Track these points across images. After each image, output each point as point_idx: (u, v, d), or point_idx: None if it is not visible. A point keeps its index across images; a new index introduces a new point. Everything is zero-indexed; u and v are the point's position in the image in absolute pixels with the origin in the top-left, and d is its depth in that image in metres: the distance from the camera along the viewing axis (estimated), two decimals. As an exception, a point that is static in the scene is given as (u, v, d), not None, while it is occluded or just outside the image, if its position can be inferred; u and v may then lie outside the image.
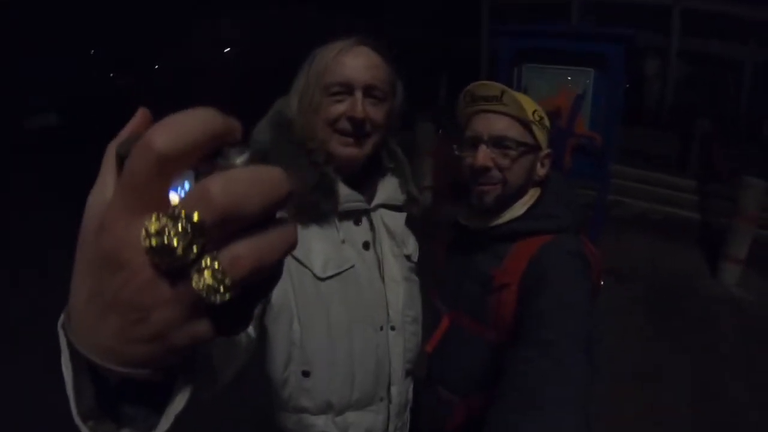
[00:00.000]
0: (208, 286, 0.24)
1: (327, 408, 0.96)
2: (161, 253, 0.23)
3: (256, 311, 0.86)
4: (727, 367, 3.14)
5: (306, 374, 0.93)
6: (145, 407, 0.34)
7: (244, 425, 1.06)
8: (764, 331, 3.58)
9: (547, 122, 1.06)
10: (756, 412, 2.73)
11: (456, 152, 1.08)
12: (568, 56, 3.70)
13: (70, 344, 0.31)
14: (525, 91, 3.88)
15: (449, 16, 13.09)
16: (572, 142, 3.72)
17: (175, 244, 0.23)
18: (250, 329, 0.81)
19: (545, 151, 1.06)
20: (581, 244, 1.00)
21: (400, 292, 1.04)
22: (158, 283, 0.25)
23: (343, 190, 0.95)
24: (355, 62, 0.93)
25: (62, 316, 0.32)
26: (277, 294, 0.90)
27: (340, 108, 0.93)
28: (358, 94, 0.93)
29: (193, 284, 0.24)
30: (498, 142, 1.01)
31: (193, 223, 0.23)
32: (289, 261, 0.90)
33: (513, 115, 1.01)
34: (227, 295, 0.24)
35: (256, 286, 0.26)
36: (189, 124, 0.24)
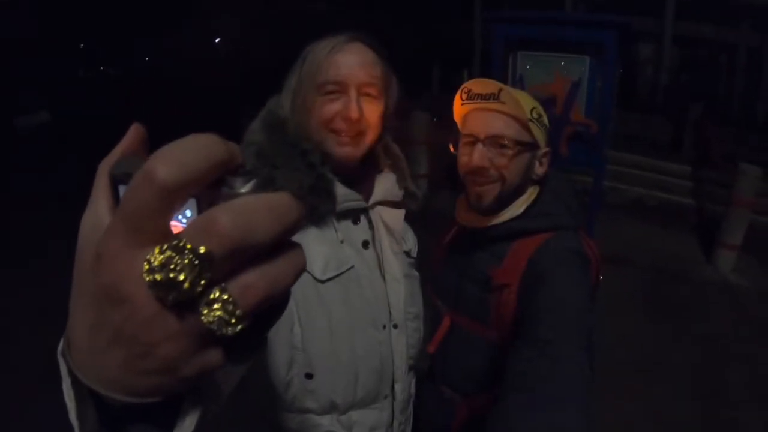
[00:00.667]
0: (219, 318, 0.23)
1: (331, 408, 0.96)
2: (166, 287, 0.23)
3: None
4: (722, 353, 3.17)
5: (309, 376, 0.93)
6: (151, 427, 0.34)
7: (247, 425, 1.05)
8: (759, 317, 3.61)
9: (546, 120, 1.05)
10: (750, 396, 2.76)
11: (452, 150, 1.07)
12: (563, 44, 3.68)
13: (71, 372, 0.30)
14: (521, 79, 3.86)
15: (442, 3, 13.01)
16: (568, 130, 3.70)
17: (182, 278, 0.22)
18: None
19: (543, 149, 1.05)
20: (581, 241, 1.00)
21: (401, 290, 1.03)
22: (164, 318, 0.24)
23: (340, 190, 0.93)
24: (349, 60, 0.91)
25: (62, 343, 0.31)
26: None
27: (334, 107, 0.91)
28: (353, 93, 0.91)
29: (203, 318, 0.23)
30: (495, 142, 1.00)
31: (200, 255, 0.22)
32: None
33: (510, 113, 0.99)
34: (239, 327, 0.23)
35: (266, 312, 0.26)
36: (192, 154, 0.23)
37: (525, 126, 1.00)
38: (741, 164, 4.29)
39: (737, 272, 4.25)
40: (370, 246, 1.01)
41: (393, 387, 1.05)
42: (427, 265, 1.20)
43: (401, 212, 1.07)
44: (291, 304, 0.90)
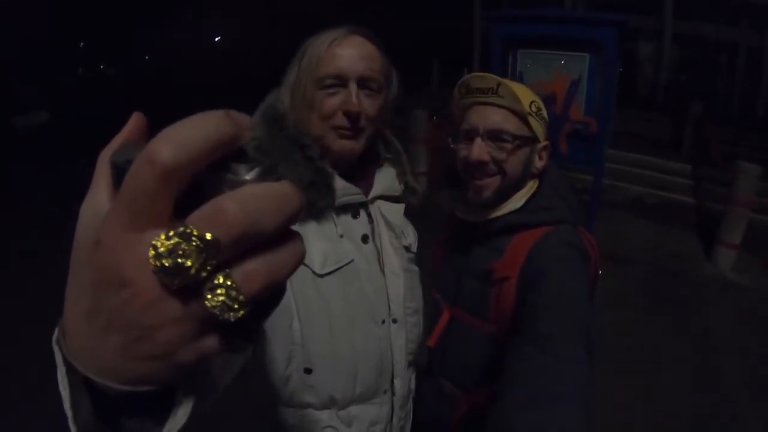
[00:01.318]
0: (222, 303, 0.23)
1: (331, 403, 0.96)
2: (173, 273, 0.23)
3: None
4: (722, 351, 3.17)
5: (308, 371, 0.93)
6: (145, 417, 0.33)
7: (247, 421, 1.05)
8: (759, 315, 3.61)
9: (545, 113, 1.04)
10: (750, 394, 2.76)
11: (451, 145, 1.07)
12: (562, 42, 3.68)
13: (65, 360, 0.30)
14: (520, 77, 3.85)
15: (442, 2, 13.01)
16: (568, 128, 3.70)
17: (189, 264, 0.22)
18: None
19: (543, 143, 1.05)
20: (580, 236, 0.99)
21: (400, 285, 1.03)
22: (166, 302, 0.24)
23: (340, 184, 0.93)
24: (348, 53, 0.91)
25: (56, 332, 0.30)
26: None
27: (334, 102, 0.90)
28: (353, 87, 0.90)
29: (207, 303, 0.23)
30: (494, 136, 1.00)
31: (208, 242, 0.22)
32: None
33: (509, 107, 0.99)
34: (241, 312, 0.24)
35: (263, 301, 0.26)
36: (194, 134, 0.23)
37: (524, 120, 1.00)
38: (741, 163, 4.29)
39: (736, 270, 4.25)
40: (370, 240, 1.00)
41: (392, 382, 1.04)
42: (426, 261, 1.19)
43: (401, 207, 1.07)
44: (290, 299, 0.90)
